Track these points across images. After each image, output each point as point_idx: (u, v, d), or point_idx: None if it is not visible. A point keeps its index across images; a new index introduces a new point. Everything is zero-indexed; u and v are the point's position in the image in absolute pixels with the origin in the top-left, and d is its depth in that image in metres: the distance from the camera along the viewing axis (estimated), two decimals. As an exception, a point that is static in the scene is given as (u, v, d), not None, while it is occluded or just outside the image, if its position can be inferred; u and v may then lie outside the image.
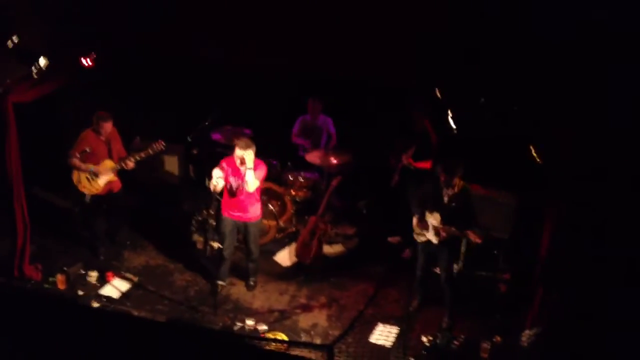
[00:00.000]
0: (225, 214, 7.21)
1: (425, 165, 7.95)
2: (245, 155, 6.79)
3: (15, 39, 6.33)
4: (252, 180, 6.86)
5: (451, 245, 6.81)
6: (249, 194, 7.01)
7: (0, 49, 6.34)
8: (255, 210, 7.21)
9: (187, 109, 9.19)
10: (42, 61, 6.57)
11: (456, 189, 6.57)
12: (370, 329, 6.92)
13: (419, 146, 7.96)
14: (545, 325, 6.30)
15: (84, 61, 7.01)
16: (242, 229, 7.31)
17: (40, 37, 6.78)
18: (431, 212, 6.68)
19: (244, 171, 6.87)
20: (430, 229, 6.71)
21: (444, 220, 6.60)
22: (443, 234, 6.60)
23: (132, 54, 7.96)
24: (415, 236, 6.91)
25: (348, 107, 9.20)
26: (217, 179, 6.90)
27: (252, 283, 7.56)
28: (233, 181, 7.01)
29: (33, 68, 6.58)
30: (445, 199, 6.62)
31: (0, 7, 6.48)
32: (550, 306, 6.26)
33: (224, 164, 7.03)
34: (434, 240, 6.72)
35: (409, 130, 8.04)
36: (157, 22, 6.70)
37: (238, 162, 6.88)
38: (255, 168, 6.90)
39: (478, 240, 6.44)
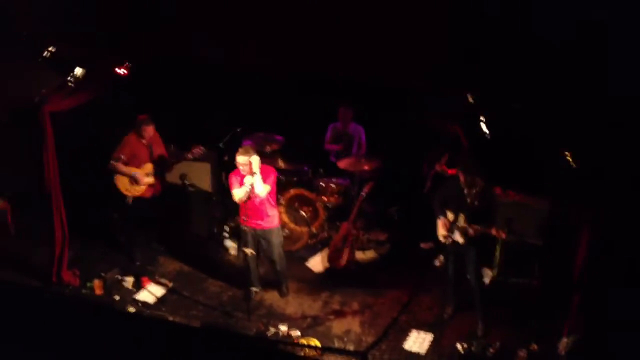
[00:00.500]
0: (243, 224, 7.17)
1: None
2: (252, 160, 6.77)
3: (51, 49, 6.44)
4: (261, 185, 6.82)
5: (478, 245, 6.76)
6: (262, 201, 6.97)
7: (35, 59, 6.46)
8: (272, 218, 7.15)
9: (220, 116, 9.27)
10: (78, 71, 6.67)
11: (478, 188, 6.54)
12: (404, 336, 6.88)
13: (452, 153, 7.90)
14: (583, 332, 6.21)
15: (118, 70, 7.12)
16: (262, 239, 7.23)
17: (76, 47, 6.91)
18: (455, 212, 6.66)
19: (253, 178, 6.82)
20: (455, 229, 6.68)
21: (468, 220, 6.58)
22: (471, 232, 6.56)
23: (165, 62, 8.07)
24: (441, 238, 6.88)
25: (379, 113, 9.19)
26: (241, 191, 6.88)
27: (284, 290, 7.55)
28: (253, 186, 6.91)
29: (68, 78, 6.70)
30: (469, 199, 6.59)
31: (35, 20, 6.61)
32: (588, 313, 6.17)
33: (233, 178, 7.01)
34: (461, 240, 6.69)
35: (441, 137, 7.99)
36: (186, 28, 6.77)
37: (242, 169, 6.83)
38: (262, 173, 6.87)
39: (502, 236, 6.42)
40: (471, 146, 7.79)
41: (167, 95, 9.44)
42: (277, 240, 7.26)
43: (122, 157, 7.54)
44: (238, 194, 6.93)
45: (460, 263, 6.94)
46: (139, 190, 7.69)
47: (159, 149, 7.85)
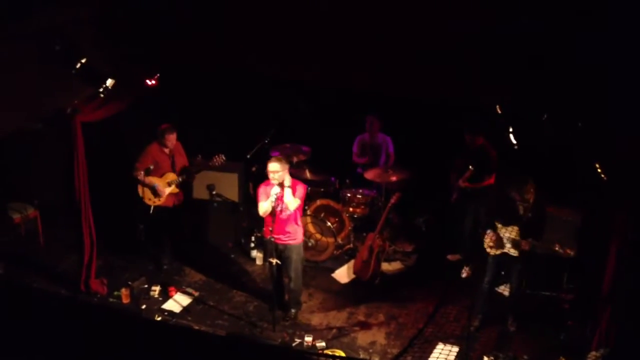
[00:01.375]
0: (267, 236, 7.05)
1: (484, 184, 7.82)
2: (284, 176, 6.72)
3: (83, 60, 6.54)
4: (291, 197, 6.77)
5: (528, 259, 6.73)
6: (288, 217, 6.89)
7: (67, 70, 6.57)
8: (293, 235, 7.04)
9: (247, 126, 9.33)
10: (109, 81, 6.77)
11: (531, 201, 6.52)
12: (430, 348, 6.82)
13: (476, 167, 7.83)
14: (612, 346, 6.09)
15: (148, 81, 7.21)
16: (284, 254, 7.12)
17: (106, 58, 7.01)
18: (507, 225, 6.63)
19: (281, 192, 6.73)
20: (507, 242, 6.64)
21: (522, 233, 6.54)
22: (525, 246, 6.51)
23: (194, 72, 8.16)
24: (488, 249, 6.82)
25: (406, 123, 9.16)
26: (267, 203, 6.80)
27: (292, 313, 7.36)
28: (277, 202, 6.83)
29: (100, 89, 6.79)
30: (521, 210, 6.57)
31: (68, 30, 6.73)
32: (617, 326, 6.06)
33: (261, 189, 6.95)
34: (514, 252, 6.65)
35: (467, 150, 7.94)
36: (216, 37, 6.83)
37: (272, 178, 6.72)
38: (294, 186, 6.82)
39: (571, 253, 6.42)
40: (498, 156, 7.75)
41: (196, 105, 9.56)
42: (296, 257, 7.13)
43: (144, 166, 7.63)
44: (263, 206, 6.86)
45: (498, 273, 6.89)
46: (161, 200, 7.77)
47: (181, 159, 7.93)
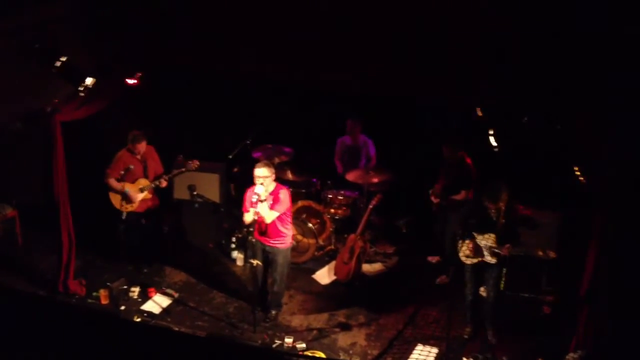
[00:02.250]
0: (255, 236, 7.02)
1: (460, 197, 7.82)
2: (259, 189, 6.60)
3: (63, 58, 6.48)
4: (268, 212, 6.66)
5: (505, 263, 6.75)
6: (273, 221, 6.82)
7: (47, 69, 6.50)
8: (282, 239, 6.97)
9: (228, 127, 9.31)
10: (90, 80, 6.70)
11: (503, 207, 6.53)
12: (409, 350, 6.84)
13: (454, 177, 7.85)
14: (590, 348, 6.14)
15: (128, 80, 7.16)
16: (270, 256, 7.08)
17: (87, 57, 6.96)
18: (483, 233, 6.63)
19: (262, 201, 6.64)
20: (484, 250, 6.64)
21: (498, 240, 6.55)
22: (504, 252, 6.52)
23: (176, 72, 8.12)
24: (464, 259, 6.80)
25: (388, 125, 9.19)
26: (248, 215, 6.74)
27: (272, 314, 7.32)
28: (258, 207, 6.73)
29: (80, 87, 6.73)
30: (494, 217, 6.58)
31: (49, 28, 6.66)
32: (595, 328, 6.11)
33: (247, 194, 6.87)
34: (492, 260, 6.65)
35: (445, 163, 7.95)
36: (201, 38, 6.80)
37: (257, 182, 6.64)
38: (275, 195, 6.75)
39: (552, 256, 6.46)
40: (477, 172, 7.76)
41: (178, 105, 9.52)
42: (283, 260, 7.08)
43: (115, 172, 7.60)
44: (247, 217, 6.80)
45: (478, 280, 6.90)
46: (132, 206, 7.72)
47: (154, 164, 7.88)
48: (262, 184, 6.66)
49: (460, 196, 7.77)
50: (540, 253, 6.57)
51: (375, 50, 6.35)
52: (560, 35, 5.63)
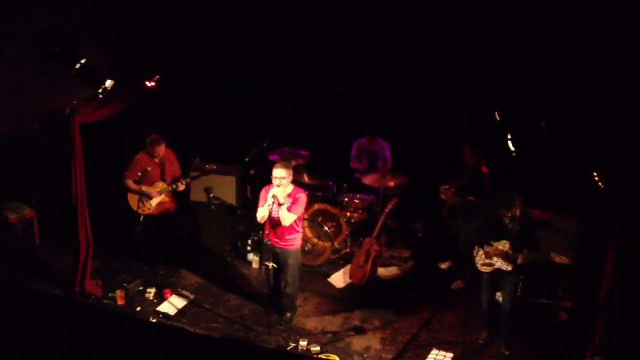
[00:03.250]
0: (266, 238, 7.05)
1: (470, 200, 7.77)
2: (277, 190, 6.65)
3: (82, 60, 6.53)
4: (287, 214, 6.71)
5: (523, 270, 6.70)
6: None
7: (66, 71, 6.56)
8: (292, 241, 7.00)
9: (246, 130, 9.33)
10: (108, 82, 6.75)
11: (518, 212, 6.48)
12: (424, 354, 6.81)
13: (468, 180, 7.80)
14: (607, 354, 6.07)
15: (147, 83, 7.20)
16: (281, 257, 7.09)
17: (106, 59, 7.02)
18: (498, 240, 6.58)
19: (277, 205, 6.69)
20: (499, 257, 6.59)
21: (514, 246, 6.50)
22: (521, 260, 6.46)
23: (193, 74, 8.16)
24: (480, 267, 6.74)
25: (405, 129, 9.17)
26: (268, 204, 6.74)
27: (287, 316, 7.31)
28: (274, 208, 6.81)
29: (99, 90, 6.78)
30: (509, 224, 6.53)
31: (68, 31, 6.73)
32: (613, 335, 6.04)
33: (261, 193, 6.91)
34: (507, 267, 6.58)
35: (463, 165, 7.91)
36: (215, 41, 6.84)
37: (275, 182, 6.69)
38: (293, 197, 6.78)
39: (565, 261, 6.45)
40: (492, 177, 7.71)
41: (195, 108, 9.57)
42: (293, 262, 7.09)
43: (133, 175, 7.65)
44: (261, 212, 6.84)
45: (494, 288, 6.85)
46: (148, 207, 7.76)
47: (172, 167, 7.90)
48: (278, 185, 6.68)
49: (471, 200, 7.72)
50: (554, 257, 6.48)
51: (381, 53, 6.36)
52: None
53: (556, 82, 5.94)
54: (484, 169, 7.77)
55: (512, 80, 6.10)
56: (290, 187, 6.83)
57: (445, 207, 8.06)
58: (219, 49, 6.97)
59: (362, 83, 6.81)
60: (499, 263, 6.59)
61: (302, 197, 6.86)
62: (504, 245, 6.54)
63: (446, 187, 7.89)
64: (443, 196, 7.93)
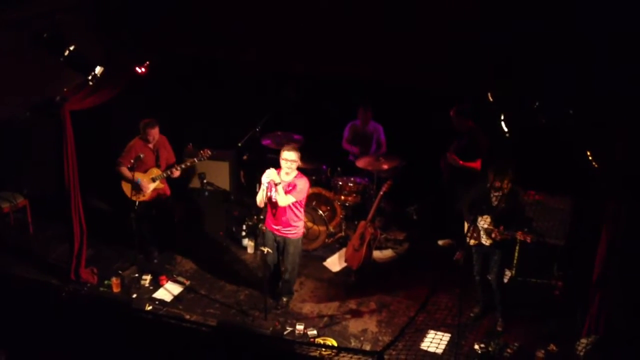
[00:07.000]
0: (267, 226, 7.07)
1: (474, 165, 7.82)
2: (296, 161, 6.69)
3: (71, 47, 6.47)
4: (282, 197, 6.69)
5: (503, 247, 6.73)
6: (285, 209, 6.82)
7: (56, 58, 6.49)
8: (294, 228, 6.98)
9: (238, 115, 9.28)
10: (98, 69, 6.69)
11: (505, 190, 6.49)
12: (421, 336, 6.85)
13: (465, 146, 7.83)
14: (602, 333, 6.12)
15: (137, 69, 7.14)
16: (281, 245, 7.11)
17: (96, 46, 6.96)
18: (481, 214, 6.61)
19: (273, 185, 6.69)
20: (481, 231, 6.63)
21: (494, 222, 6.53)
22: (495, 235, 6.51)
23: (184, 59, 8.10)
24: (467, 240, 6.81)
25: (399, 111, 9.13)
26: (263, 188, 6.72)
27: (283, 301, 7.34)
28: (274, 191, 6.79)
29: (89, 76, 6.72)
30: (494, 200, 6.55)
31: (57, 18, 6.66)
32: (607, 314, 6.08)
33: (264, 177, 6.83)
34: (486, 242, 6.65)
35: (458, 134, 7.94)
36: (207, 27, 6.79)
37: (284, 165, 6.71)
38: (296, 182, 6.76)
39: (527, 240, 6.40)
40: (489, 142, 7.74)
41: (186, 93, 9.51)
42: (294, 250, 7.09)
43: (127, 161, 7.56)
44: (258, 196, 6.84)
45: (484, 263, 6.89)
46: (144, 195, 7.71)
47: (166, 153, 7.85)
48: (289, 168, 6.69)
49: (475, 164, 7.76)
50: (520, 236, 6.50)
51: (380, 38, 6.35)
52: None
53: (550, 61, 5.94)
54: (472, 124, 7.81)
55: (503, 62, 6.10)
56: (294, 172, 6.82)
57: (445, 174, 8.07)
58: (215, 34, 6.93)
59: (362, 66, 6.78)
60: (483, 238, 6.64)
61: (304, 183, 6.84)
62: (485, 220, 6.57)
63: (449, 153, 7.92)
64: (450, 161, 7.95)
